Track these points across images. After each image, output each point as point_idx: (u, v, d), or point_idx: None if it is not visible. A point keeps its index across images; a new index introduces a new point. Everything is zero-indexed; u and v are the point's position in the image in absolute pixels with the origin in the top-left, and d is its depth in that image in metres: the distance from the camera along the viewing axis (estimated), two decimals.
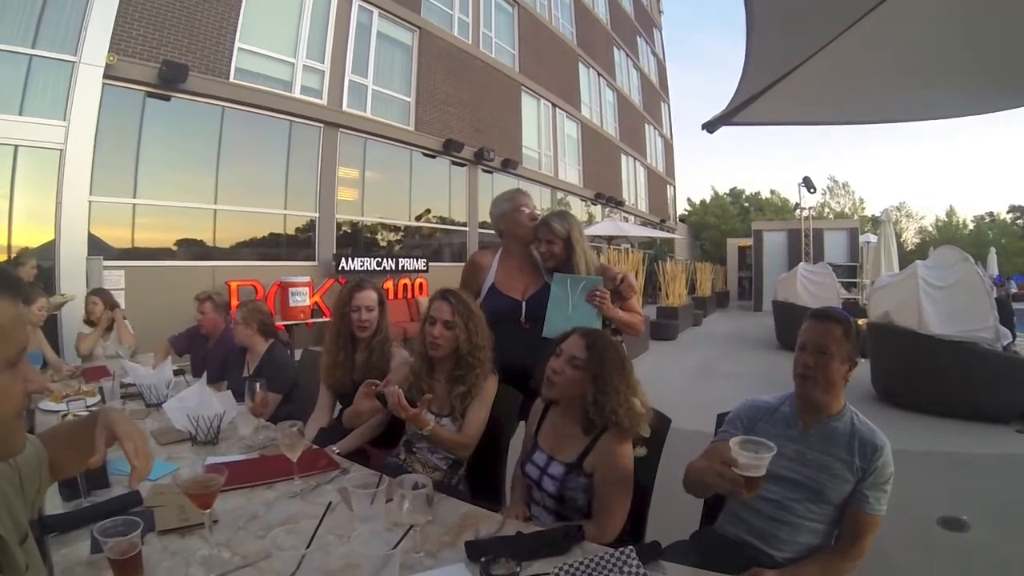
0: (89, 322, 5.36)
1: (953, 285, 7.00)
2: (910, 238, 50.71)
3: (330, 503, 1.60)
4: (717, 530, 2.17)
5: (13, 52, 7.60)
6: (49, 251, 7.96)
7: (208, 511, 1.65)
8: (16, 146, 7.64)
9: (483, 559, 1.48)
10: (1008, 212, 48.37)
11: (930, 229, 51.14)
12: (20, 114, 7.66)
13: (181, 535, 1.74)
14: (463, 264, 3.58)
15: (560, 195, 20.71)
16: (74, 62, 7.99)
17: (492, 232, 3.46)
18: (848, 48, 1.94)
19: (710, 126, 2.37)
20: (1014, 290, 22.93)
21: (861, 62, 2.20)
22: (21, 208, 7.80)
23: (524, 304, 3.16)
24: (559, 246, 3.15)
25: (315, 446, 2.59)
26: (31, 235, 8.02)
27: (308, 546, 1.39)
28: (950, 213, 50.21)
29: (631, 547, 1.53)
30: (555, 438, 2.26)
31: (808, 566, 1.92)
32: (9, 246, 7.75)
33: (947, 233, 46.53)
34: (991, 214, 49.12)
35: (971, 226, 48.46)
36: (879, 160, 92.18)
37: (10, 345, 1.05)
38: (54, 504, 1.95)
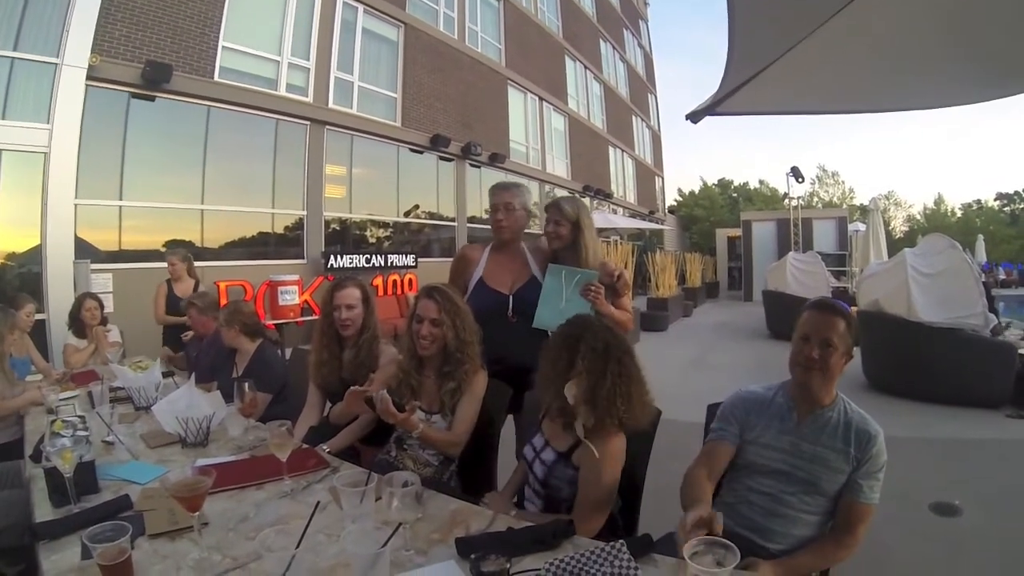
0: (78, 329, 5.30)
1: (942, 272, 7.03)
2: (899, 226, 50.80)
3: (318, 503, 1.60)
4: None
5: None
6: (36, 255, 7.90)
7: (197, 514, 1.65)
8: (0, 150, 7.57)
9: (473, 556, 1.48)
10: (995, 199, 48.66)
11: (918, 217, 51.24)
12: (3, 118, 7.59)
13: (171, 539, 1.73)
14: (452, 259, 3.58)
15: (548, 188, 20.70)
16: (56, 64, 7.92)
17: (481, 227, 3.47)
18: (832, 37, 1.93)
19: (694, 116, 2.36)
20: (1002, 276, 23.13)
21: (845, 51, 2.19)
22: (6, 213, 7.76)
23: (511, 298, 3.15)
24: (566, 228, 3.13)
25: (305, 445, 2.58)
26: (17, 240, 7.96)
27: (298, 546, 1.39)
28: (938, 201, 50.36)
29: (622, 541, 1.53)
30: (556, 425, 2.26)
31: (803, 555, 1.93)
32: None
33: (935, 221, 46.65)
34: (979, 202, 49.32)
35: (959, 214, 48.60)
36: (868, 149, 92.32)
37: None
38: (44, 511, 1.94)
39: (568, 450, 2.14)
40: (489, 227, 3.41)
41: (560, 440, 2.19)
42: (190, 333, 5.01)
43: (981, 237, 26.04)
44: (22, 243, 8.00)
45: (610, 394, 2.03)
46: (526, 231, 3.42)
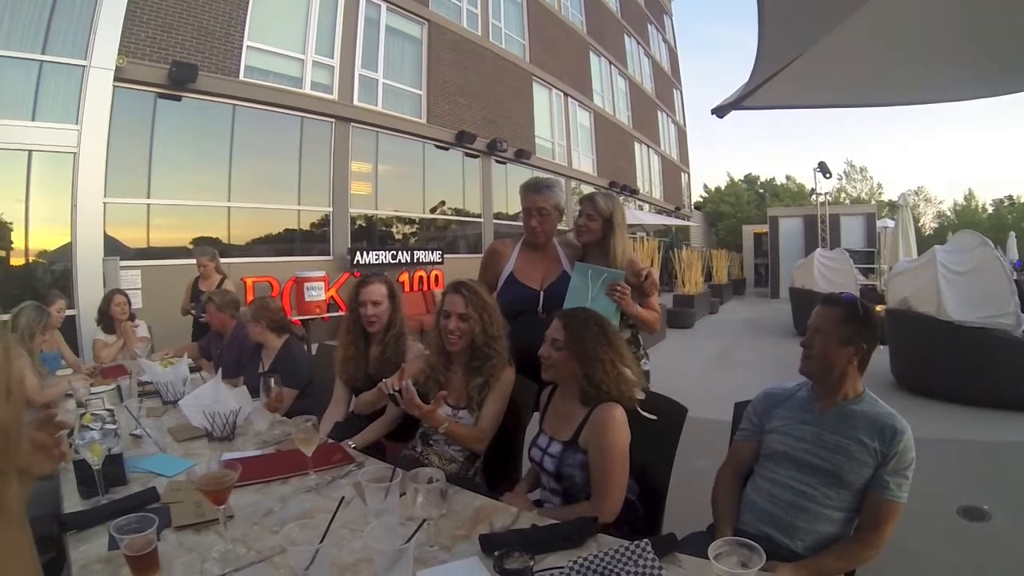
0: (107, 324, 5.38)
1: (972, 270, 6.84)
2: (928, 223, 49.83)
3: (343, 498, 1.60)
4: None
5: (24, 58, 7.65)
6: (66, 253, 8.05)
7: (223, 507, 1.66)
8: (30, 151, 7.70)
9: (497, 552, 1.47)
10: None
11: (948, 213, 50.16)
12: (33, 119, 7.72)
13: (197, 531, 1.75)
14: (479, 255, 3.55)
15: (574, 184, 20.61)
16: (84, 66, 8.04)
17: (507, 223, 3.45)
18: (859, 30, 1.91)
19: (720, 111, 2.34)
20: None
21: (873, 44, 2.16)
22: (37, 212, 7.88)
23: (542, 294, 3.11)
24: (598, 223, 3.09)
25: (331, 440, 2.59)
26: (48, 238, 8.12)
27: (322, 540, 1.39)
28: (969, 197, 49.23)
29: (646, 540, 1.52)
30: (556, 420, 2.30)
31: (826, 556, 1.89)
32: (27, 250, 7.86)
33: (966, 217, 45.64)
34: (1010, 198, 47.97)
35: (990, 210, 47.57)
36: (897, 144, 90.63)
37: None
38: (72, 502, 1.97)
39: (573, 436, 2.17)
40: (516, 223, 3.38)
41: (563, 431, 2.22)
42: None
43: (1013, 234, 25.37)
44: (53, 241, 8.16)
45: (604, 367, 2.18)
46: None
